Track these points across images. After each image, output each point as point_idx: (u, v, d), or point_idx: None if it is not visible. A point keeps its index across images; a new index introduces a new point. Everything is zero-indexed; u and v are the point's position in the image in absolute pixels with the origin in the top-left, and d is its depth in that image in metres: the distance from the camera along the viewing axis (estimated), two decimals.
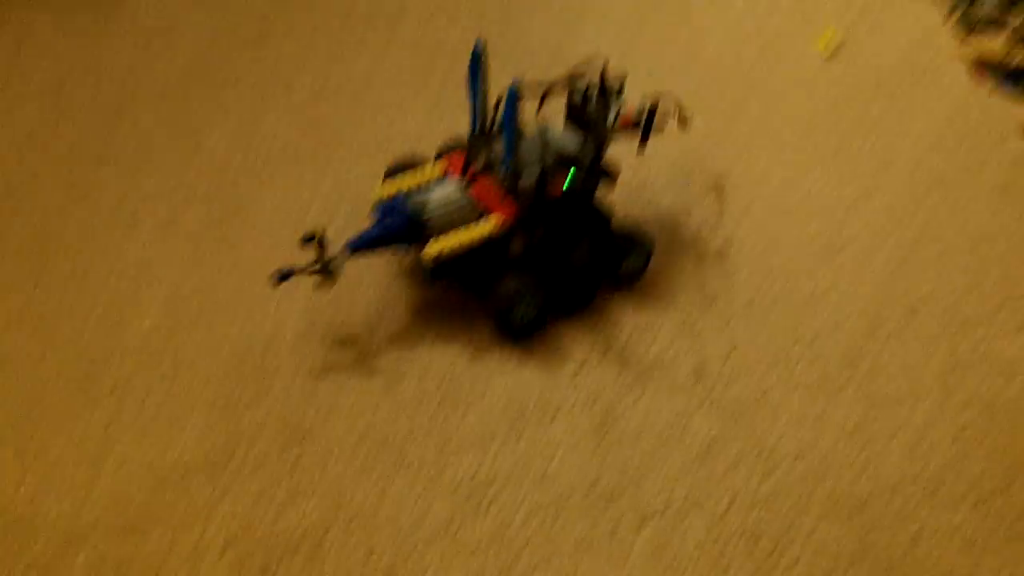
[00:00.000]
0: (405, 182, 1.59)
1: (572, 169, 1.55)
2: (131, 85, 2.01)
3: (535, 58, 2.12)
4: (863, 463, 1.42)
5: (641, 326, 1.59)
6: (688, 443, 1.43)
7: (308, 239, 1.48)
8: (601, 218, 1.63)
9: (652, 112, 1.58)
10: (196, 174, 1.81)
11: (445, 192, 1.55)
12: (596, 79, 1.56)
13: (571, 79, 1.57)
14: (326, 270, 1.50)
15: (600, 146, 1.58)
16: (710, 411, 1.47)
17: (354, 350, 1.53)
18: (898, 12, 2.38)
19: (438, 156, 1.66)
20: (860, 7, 2.38)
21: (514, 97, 1.43)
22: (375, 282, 1.64)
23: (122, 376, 1.48)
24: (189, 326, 1.55)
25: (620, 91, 1.60)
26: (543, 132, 1.59)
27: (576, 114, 1.59)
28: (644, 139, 1.61)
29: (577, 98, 1.58)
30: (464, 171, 1.58)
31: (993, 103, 2.10)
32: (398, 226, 1.52)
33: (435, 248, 1.49)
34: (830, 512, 1.36)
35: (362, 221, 1.69)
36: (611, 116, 1.56)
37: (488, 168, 1.57)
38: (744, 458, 1.42)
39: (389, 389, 1.48)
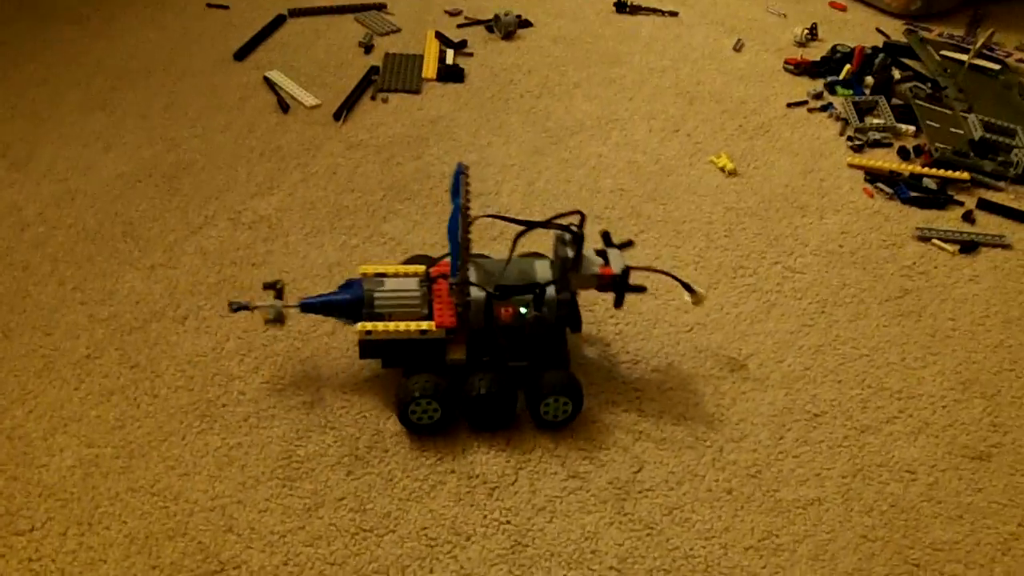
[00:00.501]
0: (387, 268, 1.68)
1: (531, 297, 1.61)
2: (47, 228, 2.03)
3: (438, 189, 2.19)
4: (770, 573, 1.46)
5: (551, 445, 1.63)
6: (600, 561, 1.46)
7: (269, 286, 1.66)
8: (558, 360, 1.68)
9: (626, 273, 1.64)
10: (112, 313, 1.83)
11: (399, 283, 1.64)
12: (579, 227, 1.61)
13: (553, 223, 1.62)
14: (278, 316, 1.65)
15: (560, 286, 1.63)
16: (621, 528, 1.51)
17: (273, 478, 1.55)
18: (793, 129, 2.49)
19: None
20: (756, 126, 2.49)
21: (456, 217, 1.50)
22: (291, 405, 1.66)
23: (40, 515, 1.48)
24: (108, 462, 1.56)
25: (622, 245, 1.70)
26: (521, 260, 1.66)
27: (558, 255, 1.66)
28: (618, 302, 1.67)
29: (558, 241, 1.65)
30: (427, 272, 1.67)
31: (888, 213, 2.20)
32: (345, 300, 1.63)
33: (366, 326, 1.58)
34: None
35: (275, 355, 1.74)
36: (583, 266, 1.62)
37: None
38: (654, 574, 1.45)
39: (308, 516, 1.50)
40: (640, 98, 2.58)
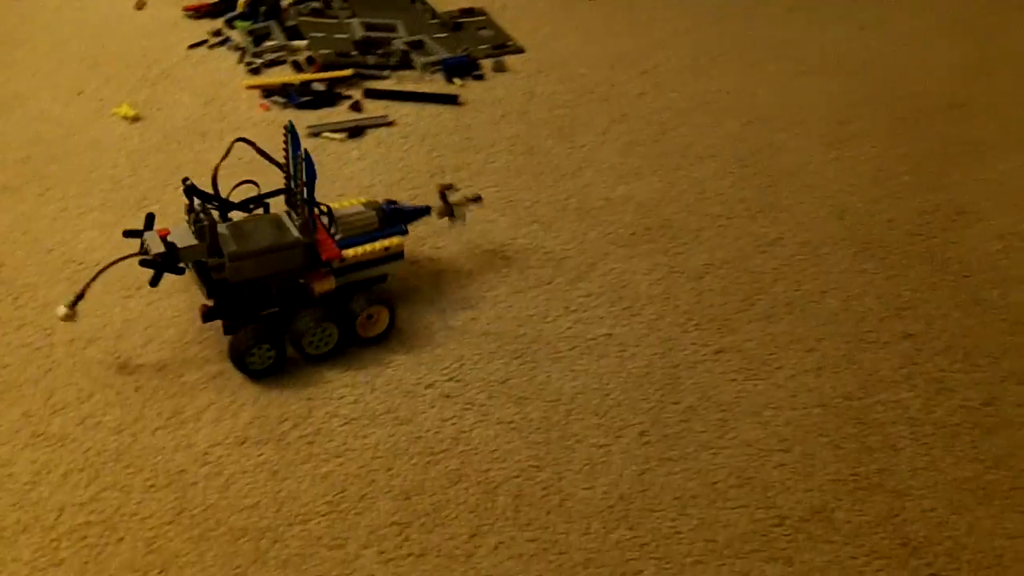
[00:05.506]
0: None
1: None
2: None
3: None
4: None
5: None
6: None
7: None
8: None
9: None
10: None
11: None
12: None
13: None
14: None
15: None
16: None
17: None
18: (195, 68, 2.66)
19: None
20: (158, 73, 2.64)
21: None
22: None
23: None
24: None
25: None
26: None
27: None
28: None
29: None
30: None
31: (283, 120, 2.39)
32: None
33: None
34: None
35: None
36: None
37: None
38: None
39: None
40: (43, 73, 2.65)
